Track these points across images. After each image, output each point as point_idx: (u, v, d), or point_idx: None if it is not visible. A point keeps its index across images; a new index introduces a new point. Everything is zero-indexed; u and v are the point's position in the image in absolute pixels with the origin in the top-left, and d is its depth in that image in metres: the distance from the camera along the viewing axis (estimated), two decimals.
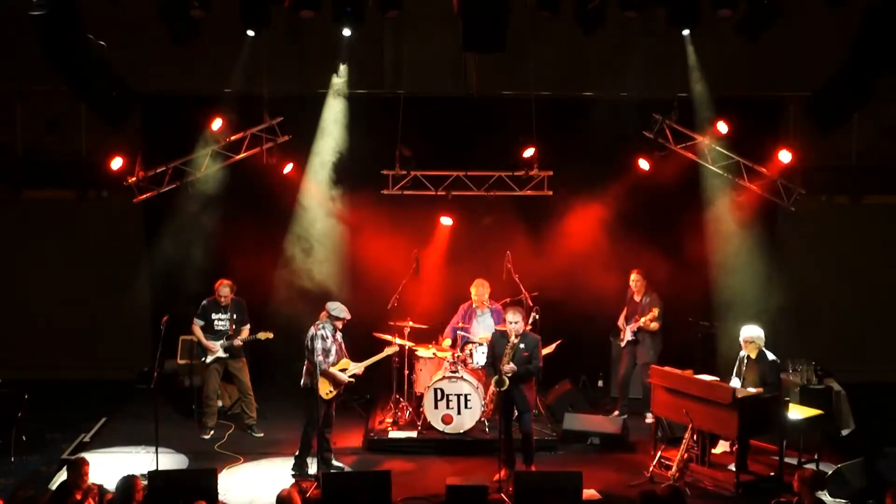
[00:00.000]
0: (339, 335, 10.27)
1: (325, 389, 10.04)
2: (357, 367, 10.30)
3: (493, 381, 9.89)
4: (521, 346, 9.84)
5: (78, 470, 8.13)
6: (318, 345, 10.05)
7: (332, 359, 10.09)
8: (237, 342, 11.27)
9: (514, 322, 9.84)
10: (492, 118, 12.60)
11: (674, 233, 12.65)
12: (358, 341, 10.93)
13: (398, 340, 11.27)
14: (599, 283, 12.42)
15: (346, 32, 11.08)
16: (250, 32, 10.68)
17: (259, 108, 11.91)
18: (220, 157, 12.14)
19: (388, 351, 10.74)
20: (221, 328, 11.31)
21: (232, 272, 11.66)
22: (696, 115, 12.16)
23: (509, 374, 9.74)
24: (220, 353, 11.28)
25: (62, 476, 8.86)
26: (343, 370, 10.23)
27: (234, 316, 11.31)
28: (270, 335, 11.36)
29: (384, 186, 12.27)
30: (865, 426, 11.37)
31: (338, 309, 10.20)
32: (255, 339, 11.29)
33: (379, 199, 12.38)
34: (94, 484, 8.41)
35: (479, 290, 11.68)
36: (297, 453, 10.22)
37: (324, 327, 10.16)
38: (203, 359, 11.33)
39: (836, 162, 13.08)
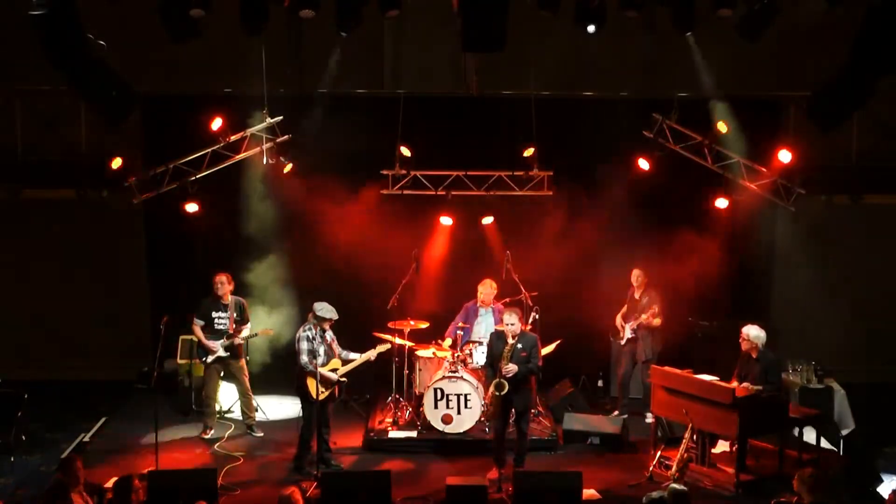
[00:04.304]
0: (328, 335, 10.27)
1: (315, 390, 10.04)
2: (344, 370, 10.32)
3: (492, 386, 9.86)
4: (519, 346, 9.84)
5: (71, 468, 8.09)
6: (304, 346, 10.09)
7: (320, 360, 10.07)
8: (238, 341, 11.26)
9: (511, 324, 9.83)
10: (492, 118, 12.61)
11: (673, 232, 12.65)
12: (359, 341, 10.92)
13: (398, 340, 11.29)
14: (599, 282, 12.44)
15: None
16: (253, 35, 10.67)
17: (259, 108, 11.91)
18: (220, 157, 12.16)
19: (368, 355, 10.49)
20: (221, 327, 11.29)
21: (231, 272, 11.65)
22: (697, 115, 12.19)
23: (509, 376, 9.73)
24: (221, 353, 11.26)
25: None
26: (334, 370, 10.24)
27: (235, 315, 11.30)
28: (270, 332, 11.35)
29: (384, 186, 12.27)
30: (865, 426, 11.37)
31: (324, 310, 10.20)
32: (255, 335, 11.28)
33: (379, 198, 12.39)
34: (92, 484, 8.42)
35: (486, 289, 11.67)
36: (295, 455, 10.25)
37: (310, 328, 10.18)
38: (203, 359, 11.33)
39: (836, 162, 13.07)
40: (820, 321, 13.34)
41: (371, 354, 10.45)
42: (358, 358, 10.40)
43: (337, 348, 10.38)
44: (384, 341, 10.92)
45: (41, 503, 8.14)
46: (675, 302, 12.06)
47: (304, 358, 10.07)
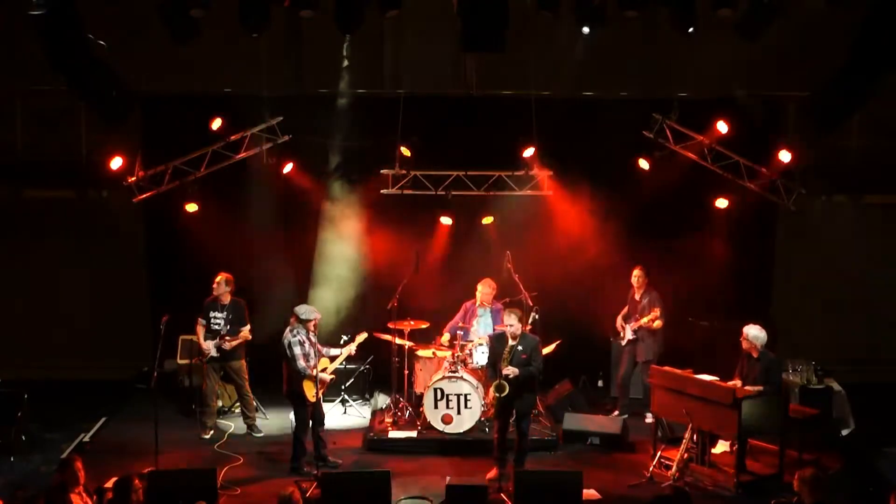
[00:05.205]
0: (312, 336, 10.30)
1: (311, 392, 10.07)
2: (332, 367, 10.41)
3: (492, 387, 9.85)
4: (519, 348, 9.81)
5: (71, 468, 8.08)
6: (297, 351, 10.12)
7: (312, 362, 10.11)
8: (225, 345, 11.22)
9: (511, 325, 9.81)
10: (492, 118, 12.60)
11: (673, 232, 12.65)
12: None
13: (398, 340, 11.29)
14: (599, 282, 12.43)
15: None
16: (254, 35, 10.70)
17: (259, 108, 11.91)
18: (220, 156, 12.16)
19: (350, 348, 10.62)
20: (216, 328, 11.26)
21: (231, 272, 11.65)
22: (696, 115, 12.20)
23: (509, 377, 9.70)
24: (213, 353, 11.24)
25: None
26: (324, 369, 10.30)
27: (230, 316, 11.26)
28: (249, 336, 11.32)
29: (384, 186, 12.27)
30: (865, 426, 11.37)
31: (306, 311, 10.25)
32: (240, 342, 11.24)
33: (379, 198, 12.39)
34: (91, 484, 8.41)
35: (485, 289, 11.65)
36: (292, 457, 10.26)
37: (297, 332, 10.19)
38: (200, 357, 11.32)
39: (836, 162, 13.08)
40: (820, 321, 13.35)
41: (351, 348, 10.57)
42: (341, 353, 10.48)
43: (321, 347, 10.42)
44: (361, 332, 10.87)
45: (41, 503, 8.14)
46: (675, 302, 12.05)
47: (301, 363, 10.08)
